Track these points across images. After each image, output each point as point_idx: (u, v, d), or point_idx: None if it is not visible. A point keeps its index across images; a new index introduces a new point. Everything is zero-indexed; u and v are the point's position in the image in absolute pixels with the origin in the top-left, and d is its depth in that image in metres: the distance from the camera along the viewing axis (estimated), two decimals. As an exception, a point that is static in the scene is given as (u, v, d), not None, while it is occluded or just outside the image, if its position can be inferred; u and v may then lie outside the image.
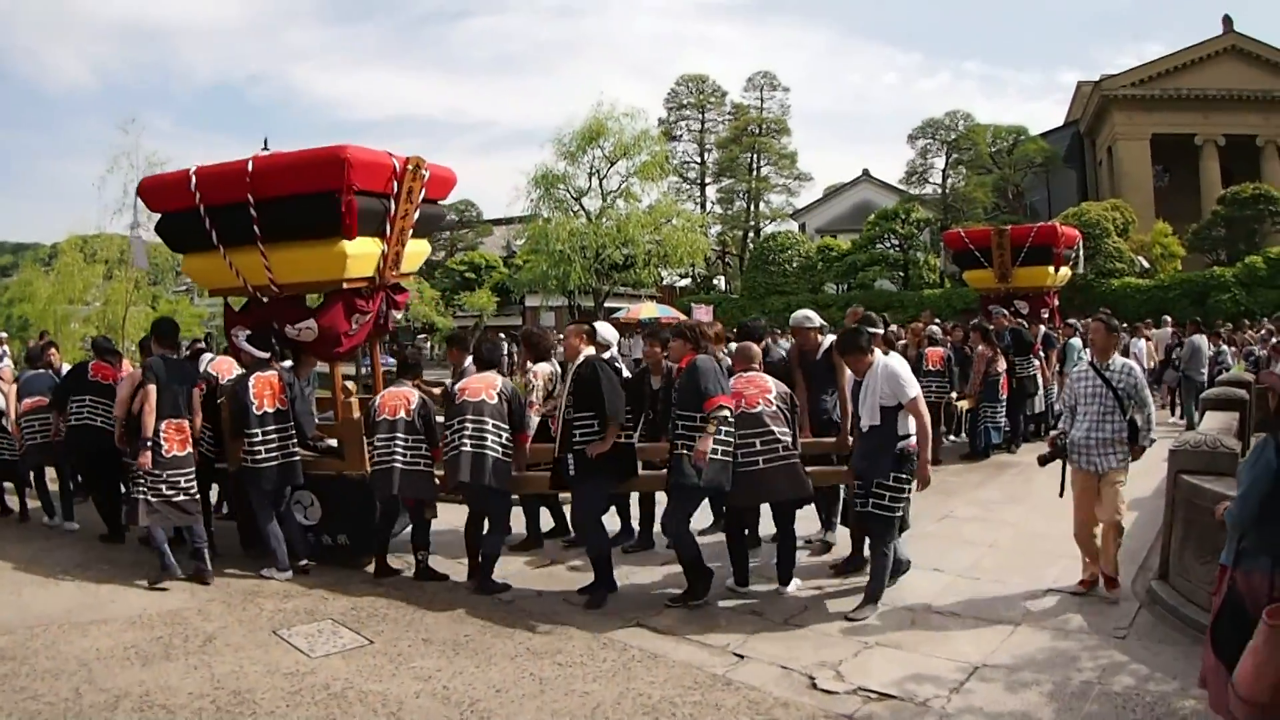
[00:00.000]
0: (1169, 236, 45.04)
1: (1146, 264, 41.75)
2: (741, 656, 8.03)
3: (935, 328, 19.20)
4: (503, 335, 54.61)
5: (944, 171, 57.53)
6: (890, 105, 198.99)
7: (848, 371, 10.08)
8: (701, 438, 8.99)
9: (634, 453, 10.27)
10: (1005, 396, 17.82)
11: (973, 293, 34.17)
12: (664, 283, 49.95)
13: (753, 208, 66.29)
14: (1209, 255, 46.48)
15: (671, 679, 7.56)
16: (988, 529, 12.29)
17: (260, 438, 10.62)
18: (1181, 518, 9.09)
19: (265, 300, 11.37)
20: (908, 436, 9.05)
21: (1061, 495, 9.66)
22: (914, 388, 9.06)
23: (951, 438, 18.80)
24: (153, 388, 10.29)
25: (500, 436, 10.01)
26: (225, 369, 12.41)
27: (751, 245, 63.50)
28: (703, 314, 40.03)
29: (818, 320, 11.65)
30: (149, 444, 10.27)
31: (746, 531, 10.43)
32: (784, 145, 65.38)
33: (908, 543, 10.14)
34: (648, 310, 44.42)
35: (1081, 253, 25.39)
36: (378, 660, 8.08)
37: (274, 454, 10.69)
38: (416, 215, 11.31)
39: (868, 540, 9.61)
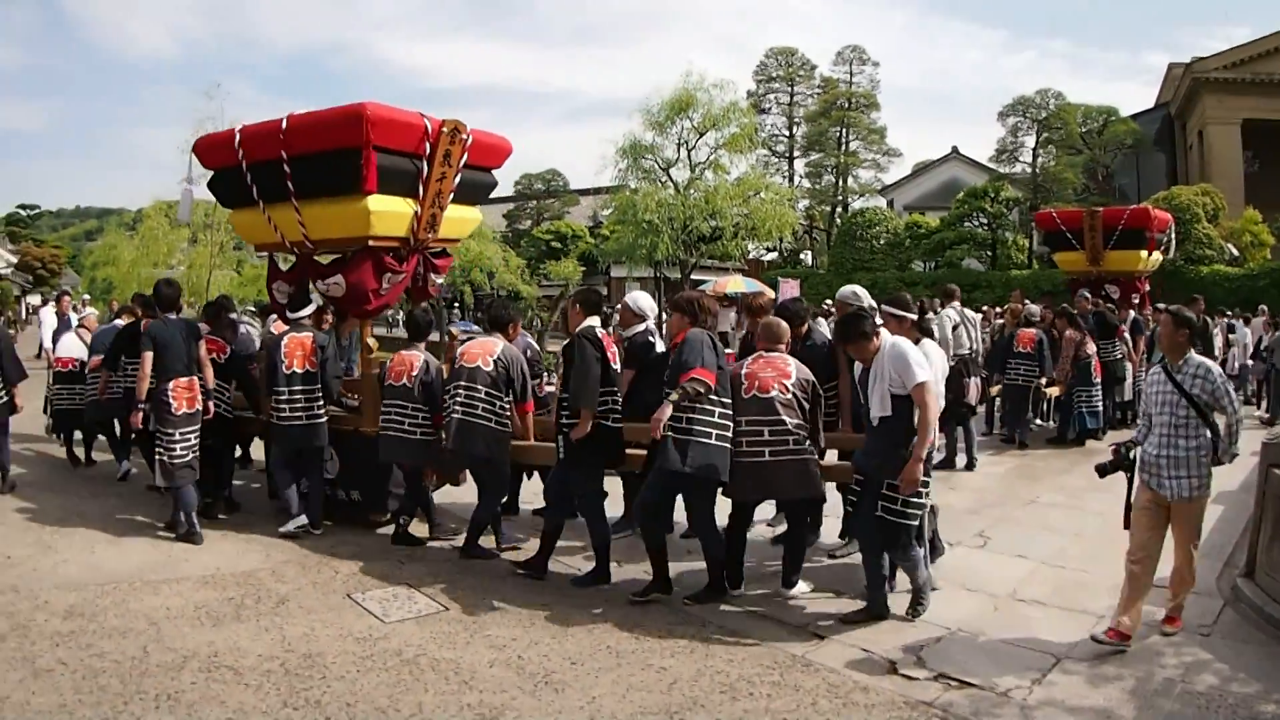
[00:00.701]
0: (1259, 224, 44.28)
1: (1235, 252, 41.15)
2: (822, 638, 8.08)
3: (1034, 306, 18.98)
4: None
5: (1034, 150, 56.70)
6: (975, 83, 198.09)
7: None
8: (662, 405, 8.51)
9: (618, 435, 9.83)
10: (1099, 380, 17.59)
11: (1060, 274, 33.98)
12: (750, 256, 49.72)
13: (841, 183, 65.74)
14: (1300, 243, 45.39)
15: (750, 658, 7.63)
16: (1073, 517, 12.20)
17: (286, 396, 11.14)
18: (1272, 514, 8.80)
19: (303, 257, 11.92)
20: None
21: (1126, 526, 8.17)
22: (923, 371, 8.07)
23: (1038, 422, 18.88)
24: (149, 354, 10.71)
25: (493, 405, 10.06)
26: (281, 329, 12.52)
27: (839, 221, 62.93)
28: (790, 288, 39.87)
29: (867, 299, 10.46)
30: (140, 405, 10.84)
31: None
32: (873, 120, 64.77)
33: (938, 565, 9.68)
34: (734, 284, 44.22)
35: (1174, 237, 25.14)
36: (452, 627, 8.19)
37: (299, 414, 11.17)
38: (458, 180, 11.48)
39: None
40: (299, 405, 11.15)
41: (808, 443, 8.72)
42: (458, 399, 10.00)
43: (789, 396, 8.68)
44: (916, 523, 8.27)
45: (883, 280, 48.06)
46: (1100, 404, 17.68)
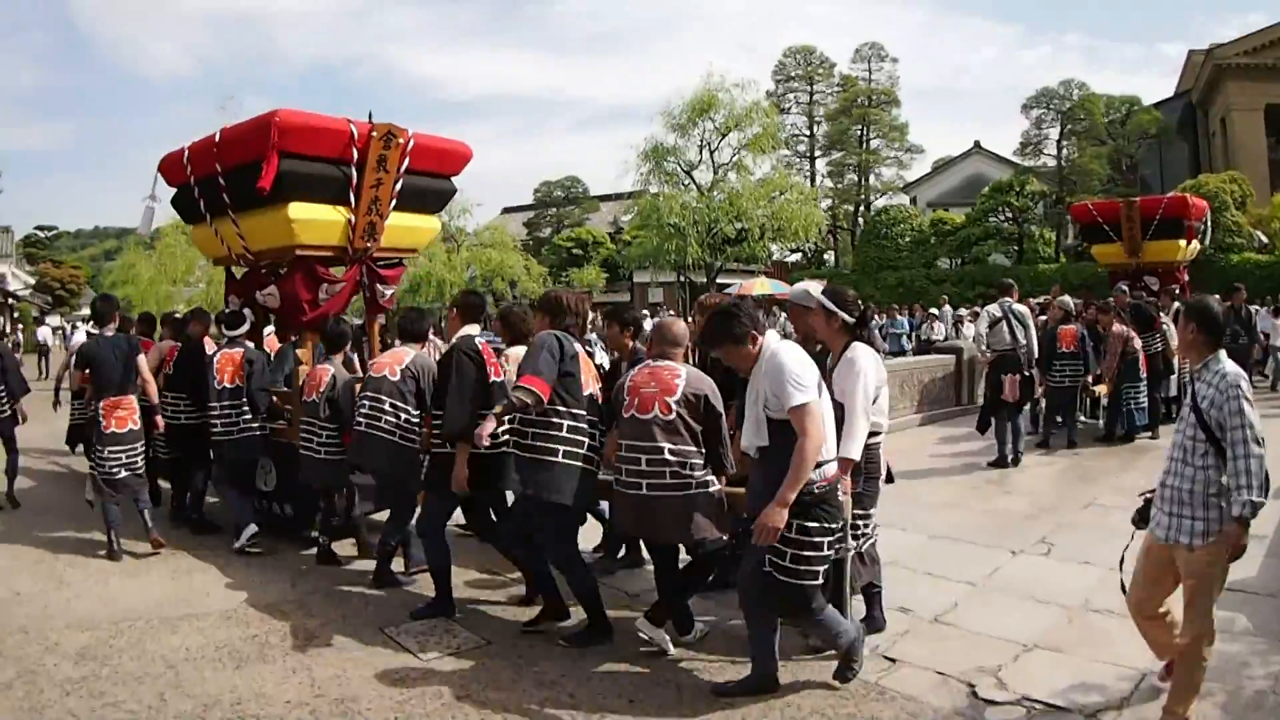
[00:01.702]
0: (1287, 211, 43.51)
1: (1264, 239, 40.68)
2: (893, 660, 7.52)
3: (1068, 298, 18.49)
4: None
5: (1059, 143, 56.32)
6: (991, 79, 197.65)
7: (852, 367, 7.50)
8: (484, 420, 7.74)
9: (491, 461, 8.42)
10: (1146, 375, 17.14)
11: (1089, 268, 33.39)
12: (774, 258, 49.48)
13: (863, 181, 65.43)
14: (1329, 232, 44.67)
15: (820, 686, 7.07)
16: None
17: (218, 410, 11.05)
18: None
19: (251, 269, 11.87)
20: (821, 464, 6.47)
21: (1121, 571, 6.92)
22: (803, 392, 6.36)
23: (1084, 419, 18.39)
24: (86, 372, 10.95)
25: (398, 417, 9.19)
26: (274, 346, 12.49)
27: (862, 219, 63.00)
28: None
29: (817, 298, 7.90)
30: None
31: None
32: (894, 117, 64.54)
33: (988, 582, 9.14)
34: (760, 286, 43.97)
35: (1210, 225, 24.80)
36: (496, 664, 7.52)
37: (230, 428, 11.06)
38: (399, 187, 11.14)
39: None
40: (229, 420, 11.07)
41: (699, 473, 7.24)
42: (362, 409, 9.35)
43: (671, 418, 7.24)
44: (815, 582, 6.59)
45: (909, 278, 48.11)
46: (1147, 399, 17.23)
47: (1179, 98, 62.49)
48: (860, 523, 7.50)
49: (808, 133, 66.23)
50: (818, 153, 66.40)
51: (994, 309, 15.63)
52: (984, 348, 15.86)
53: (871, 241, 54.21)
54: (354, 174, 10.69)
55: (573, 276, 55.19)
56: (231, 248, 11.54)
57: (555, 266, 58.17)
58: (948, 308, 36.01)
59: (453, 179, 12.39)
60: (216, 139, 10.89)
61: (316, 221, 10.67)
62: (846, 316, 7.55)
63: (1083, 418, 18.44)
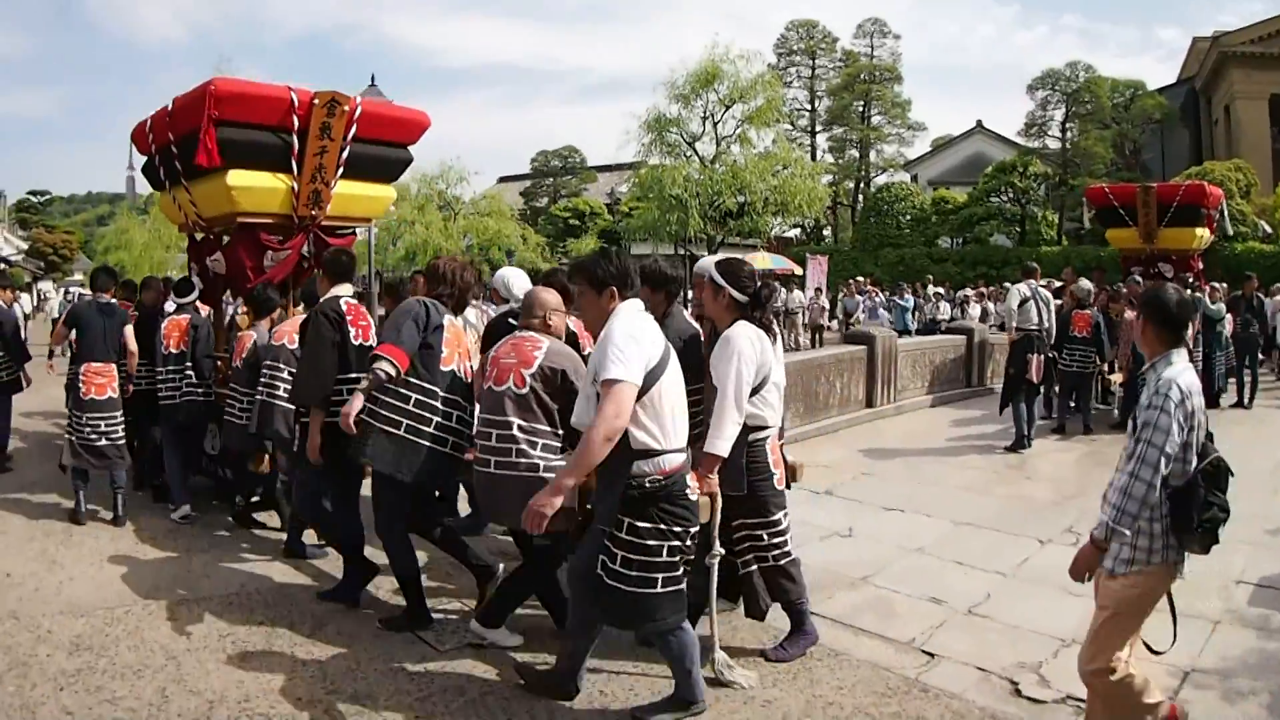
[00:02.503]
0: (1292, 201, 43.29)
1: (1269, 228, 40.47)
2: (931, 655, 7.31)
3: (1086, 282, 18.21)
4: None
5: (1063, 125, 56.08)
6: (988, 59, 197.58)
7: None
8: (352, 397, 7.39)
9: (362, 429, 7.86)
10: None
11: (1091, 251, 33.10)
12: (773, 233, 49.27)
13: (864, 157, 65.28)
14: (1334, 222, 44.50)
15: (860, 682, 6.80)
16: None
17: (164, 375, 11.19)
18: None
19: (206, 236, 12.14)
20: (656, 454, 5.81)
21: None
22: (618, 366, 5.62)
23: (1098, 405, 18.35)
24: (73, 332, 11.28)
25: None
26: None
27: (862, 196, 63.01)
28: (817, 266, 39.37)
29: (711, 273, 7.23)
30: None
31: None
32: (896, 94, 64.39)
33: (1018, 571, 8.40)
34: (761, 261, 43.71)
35: (1226, 213, 24.56)
36: (519, 655, 7.12)
37: (173, 393, 11.14)
38: (346, 155, 11.06)
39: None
40: (173, 384, 11.13)
41: (551, 456, 6.73)
42: (262, 378, 9.35)
43: (524, 391, 6.78)
44: (650, 590, 5.84)
45: (910, 256, 48.13)
46: None
47: (1181, 84, 62.46)
48: (762, 532, 6.98)
49: (809, 107, 65.98)
50: (819, 128, 66.21)
51: (1023, 288, 15.72)
52: (1012, 325, 15.79)
53: (872, 218, 54.29)
54: (295, 142, 10.69)
55: (570, 246, 55.06)
56: (188, 215, 11.66)
57: (552, 236, 58.11)
58: (933, 289, 35.68)
59: (409, 148, 12.30)
60: (169, 108, 10.96)
61: (257, 189, 10.68)
62: (734, 292, 6.95)
63: (1098, 404, 18.37)
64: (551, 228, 61.64)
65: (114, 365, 11.08)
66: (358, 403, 7.25)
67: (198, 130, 10.21)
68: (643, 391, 5.73)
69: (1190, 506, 5.22)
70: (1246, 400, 20.50)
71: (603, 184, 71.70)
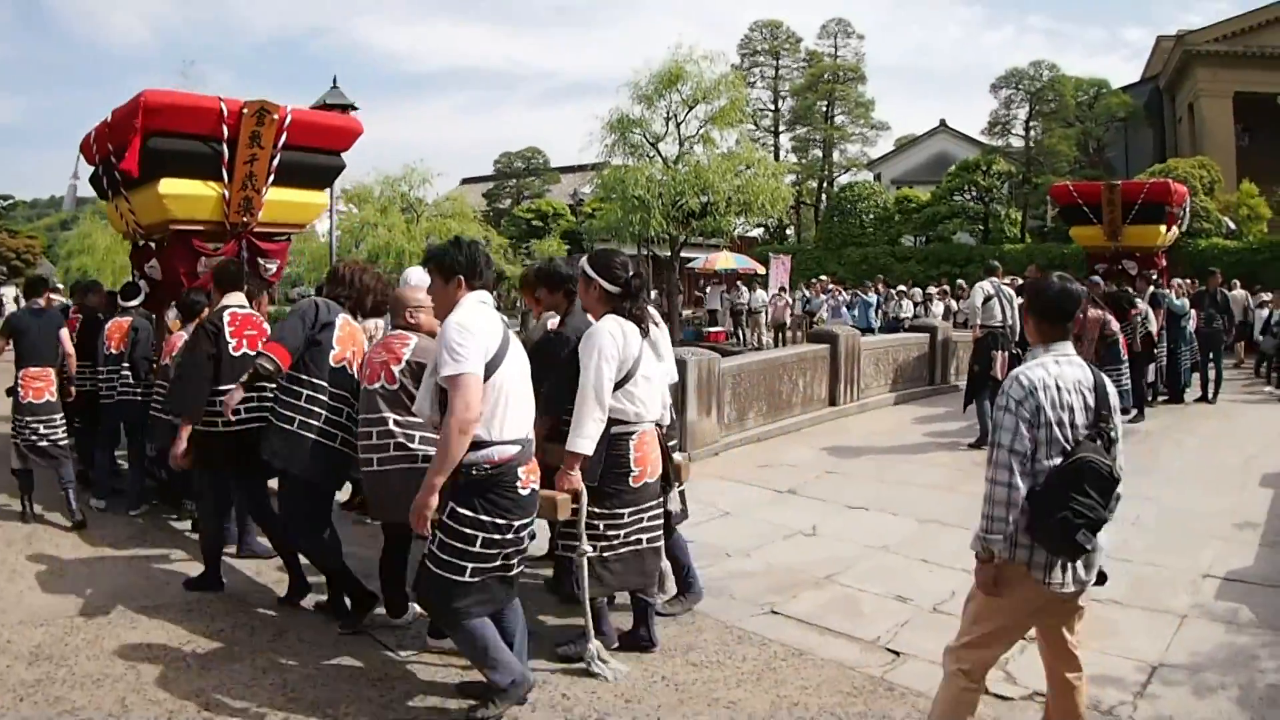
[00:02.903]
0: (1256, 198, 43.70)
1: (1233, 225, 40.70)
2: (897, 654, 7.30)
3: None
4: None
5: (1027, 123, 56.24)
6: (955, 59, 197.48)
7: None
8: (233, 389, 7.86)
9: (222, 440, 8.36)
10: (1128, 358, 17.09)
11: (1055, 249, 33.20)
12: (736, 233, 49.32)
13: (828, 157, 65.53)
14: (1296, 220, 44.99)
15: (825, 682, 6.78)
16: (1125, 503, 11.15)
17: (105, 375, 11.73)
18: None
19: (142, 243, 12.34)
20: (485, 444, 5.86)
21: None
22: (458, 362, 5.69)
23: None
24: (9, 341, 11.25)
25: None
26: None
27: (826, 196, 63.15)
28: (780, 265, 39.41)
29: (583, 265, 7.32)
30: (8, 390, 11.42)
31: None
32: (860, 93, 64.50)
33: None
34: (724, 260, 43.82)
35: (1189, 210, 24.87)
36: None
37: (111, 393, 11.64)
38: (276, 162, 11.34)
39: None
40: (111, 384, 11.61)
41: (432, 446, 6.39)
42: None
43: (395, 388, 7.06)
44: (457, 578, 5.89)
45: (873, 255, 48.21)
46: (1129, 383, 17.14)
47: (1145, 83, 62.61)
48: (600, 523, 6.84)
49: (773, 107, 66.01)
50: (782, 128, 66.23)
51: (986, 285, 15.85)
52: (977, 322, 15.89)
53: (835, 217, 54.24)
54: (225, 150, 10.93)
55: (533, 248, 55.04)
56: (129, 223, 11.93)
57: (515, 238, 58.01)
58: (873, 295, 35.50)
59: (341, 154, 12.50)
60: (108, 120, 11.36)
61: (188, 196, 10.96)
62: (605, 284, 6.94)
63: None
64: (515, 229, 61.51)
65: (51, 369, 11.22)
66: (238, 394, 7.74)
67: (124, 142, 10.65)
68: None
69: (1041, 507, 5.03)
70: (1211, 395, 20.65)
71: (566, 185, 71.55)
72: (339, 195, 33.47)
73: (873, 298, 34.03)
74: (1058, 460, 5.07)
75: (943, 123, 69.81)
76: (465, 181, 77.60)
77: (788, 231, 66.34)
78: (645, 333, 6.98)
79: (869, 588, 8.68)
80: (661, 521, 7.23)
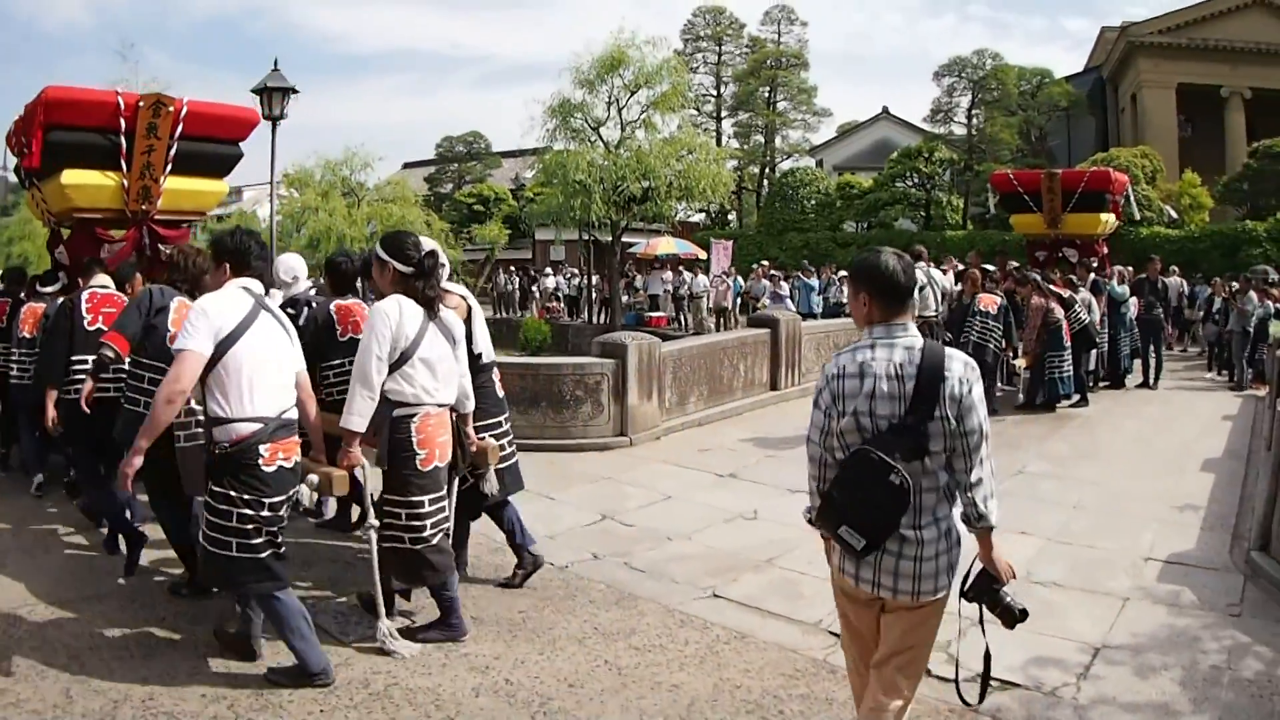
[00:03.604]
0: (1198, 187, 44.31)
1: (1174, 214, 41.06)
2: (837, 635, 6.82)
3: (990, 267, 18.42)
4: (513, 268, 54.47)
5: (969, 111, 56.55)
6: (896, 46, 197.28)
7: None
8: (85, 381, 8.54)
9: (77, 410, 8.69)
10: (1069, 344, 17.20)
11: (996, 235, 33.28)
12: (677, 218, 49.36)
13: (769, 143, 65.66)
14: (1238, 209, 45.71)
15: (768, 665, 6.77)
16: (1066, 487, 11.79)
17: (17, 357, 11.72)
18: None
19: (53, 230, 12.84)
20: (225, 421, 6.10)
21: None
22: (184, 338, 6.04)
23: (1003, 386, 18.51)
24: None
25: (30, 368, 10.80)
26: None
27: (768, 181, 63.23)
28: (722, 250, 39.39)
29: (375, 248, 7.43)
30: None
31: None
32: (803, 80, 64.54)
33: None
34: (665, 245, 43.86)
35: (1133, 198, 25.11)
36: (423, 647, 6.98)
37: (23, 375, 11.59)
38: (173, 152, 11.64)
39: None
40: (24, 366, 11.60)
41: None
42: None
43: None
44: (225, 553, 6.12)
45: (814, 240, 48.33)
46: (1070, 370, 17.35)
47: (1089, 73, 63.29)
48: (401, 511, 6.90)
49: (715, 93, 66.21)
50: (724, 113, 66.43)
51: (919, 275, 15.34)
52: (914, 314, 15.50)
53: (777, 203, 54.29)
54: (123, 142, 11.21)
55: (475, 232, 54.89)
56: (43, 210, 12.34)
57: (456, 222, 57.88)
58: (815, 280, 35.38)
59: (239, 144, 12.88)
60: (20, 114, 11.61)
61: (89, 186, 11.27)
62: (398, 265, 6.96)
63: (1002, 385, 18.47)
64: (456, 214, 61.54)
65: None
66: (89, 385, 8.36)
67: (34, 135, 10.94)
68: (214, 361, 6.05)
69: (823, 502, 4.72)
70: (1152, 381, 20.83)
71: (507, 169, 71.85)
72: (279, 179, 33.21)
73: (815, 283, 33.99)
74: (843, 453, 4.63)
75: (885, 110, 70.12)
76: (407, 166, 77.45)
77: (729, 217, 66.45)
78: (433, 315, 7.00)
79: (810, 571, 8.59)
80: (449, 513, 7.28)
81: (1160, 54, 53.78)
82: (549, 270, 51.33)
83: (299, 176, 45.65)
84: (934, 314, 15.29)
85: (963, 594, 5.09)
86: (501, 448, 7.98)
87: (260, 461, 6.05)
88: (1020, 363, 17.23)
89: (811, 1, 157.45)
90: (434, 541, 6.94)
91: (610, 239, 40.71)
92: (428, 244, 7.22)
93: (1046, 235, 22.12)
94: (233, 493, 6.01)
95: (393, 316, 6.70)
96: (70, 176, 11.13)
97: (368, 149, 46.38)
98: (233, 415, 6.02)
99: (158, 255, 11.95)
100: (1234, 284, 24.91)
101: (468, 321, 7.78)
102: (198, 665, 6.65)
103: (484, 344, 8.11)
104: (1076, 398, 17.58)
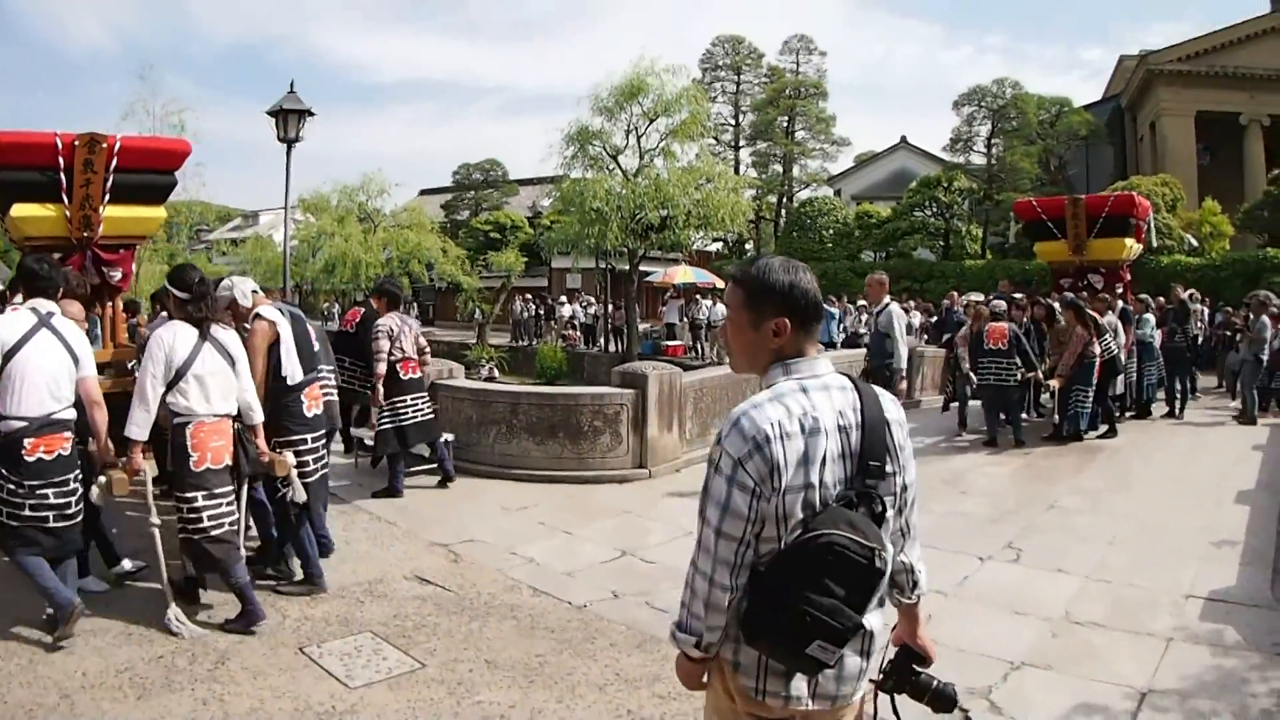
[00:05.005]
0: (1218, 215, 43.99)
1: (1195, 242, 40.86)
2: (873, 682, 6.75)
3: (1000, 303, 18.22)
4: (529, 296, 54.32)
5: (989, 140, 56.32)
6: (913, 77, 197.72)
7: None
8: None
9: None
10: (1097, 380, 16.94)
11: (1015, 265, 32.98)
12: (694, 247, 49.19)
13: (788, 172, 65.62)
14: (1259, 236, 45.34)
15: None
16: (1101, 522, 11.49)
17: None
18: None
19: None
20: (3, 419, 7.41)
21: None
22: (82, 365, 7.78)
23: (1027, 417, 18.16)
24: None
25: None
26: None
27: (785, 211, 63.14)
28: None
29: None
30: None
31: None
32: (821, 109, 64.46)
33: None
34: (683, 274, 43.57)
35: (1154, 225, 24.69)
36: (433, 691, 6.73)
37: None
38: (110, 184, 12.15)
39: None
40: None
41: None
42: None
43: None
44: (4, 520, 7.49)
45: (833, 270, 47.87)
46: (1090, 405, 17.15)
47: (1107, 101, 63.24)
48: (183, 506, 7.80)
49: (733, 122, 66.28)
50: (743, 142, 66.43)
51: (895, 309, 15.53)
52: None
53: (795, 233, 54.21)
54: (62, 177, 11.82)
55: (491, 259, 54.81)
56: (13, 236, 12.86)
57: (473, 249, 58.01)
58: (836, 309, 35.06)
59: (173, 173, 13.41)
60: None
61: (36, 217, 11.92)
62: (176, 292, 8.01)
63: (1025, 416, 18.17)
64: (472, 240, 61.74)
65: None
66: None
67: None
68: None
69: (762, 594, 3.32)
70: (1178, 411, 20.64)
71: (524, 197, 72.21)
72: (295, 204, 33.20)
73: (836, 312, 33.77)
74: (794, 535, 3.30)
75: (903, 139, 70.07)
76: (424, 192, 77.79)
77: (747, 246, 66.17)
78: (205, 335, 7.96)
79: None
80: (234, 513, 8.11)
81: (1180, 82, 53.77)
82: (564, 298, 51.21)
83: (315, 202, 45.66)
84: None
85: (877, 684, 3.96)
86: (304, 464, 8.94)
87: (23, 453, 7.32)
88: (1054, 383, 16.96)
89: (830, 32, 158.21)
90: (212, 533, 7.83)
91: (627, 267, 40.52)
92: (242, 283, 9.39)
93: (1071, 262, 21.68)
94: None
95: (166, 341, 7.79)
96: (19, 210, 11.79)
97: (385, 175, 46.70)
98: (7, 413, 7.28)
99: (104, 278, 12.66)
100: (1245, 307, 24.58)
101: (275, 345, 8.98)
102: (194, 709, 6.38)
103: (291, 367, 9.06)
104: (1104, 428, 17.38)
